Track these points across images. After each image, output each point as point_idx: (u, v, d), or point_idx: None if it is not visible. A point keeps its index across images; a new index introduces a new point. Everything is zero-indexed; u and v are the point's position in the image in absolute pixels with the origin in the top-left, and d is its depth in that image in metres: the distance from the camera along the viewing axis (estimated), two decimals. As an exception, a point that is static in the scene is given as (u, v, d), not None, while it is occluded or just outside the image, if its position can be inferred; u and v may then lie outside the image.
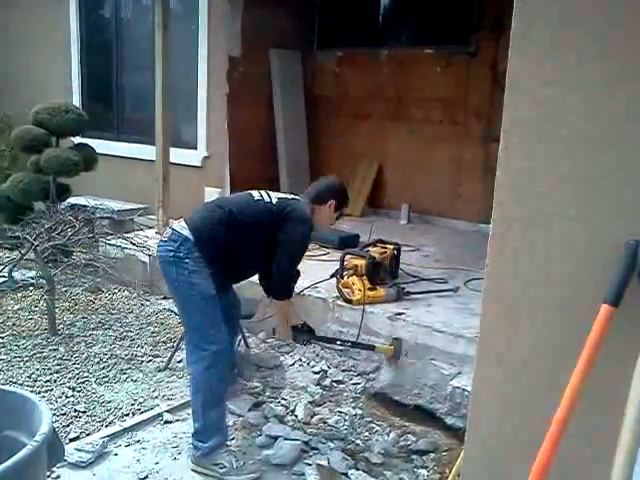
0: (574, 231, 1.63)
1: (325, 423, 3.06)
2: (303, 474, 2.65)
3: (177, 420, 3.07)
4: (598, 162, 1.58)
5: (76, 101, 7.19)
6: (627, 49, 1.52)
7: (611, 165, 1.57)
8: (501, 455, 1.83)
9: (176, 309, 3.10)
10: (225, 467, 2.64)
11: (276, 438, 2.88)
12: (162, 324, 4.25)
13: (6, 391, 2.13)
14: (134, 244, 4.52)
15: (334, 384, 3.43)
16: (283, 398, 3.27)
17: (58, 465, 2.56)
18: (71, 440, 2.83)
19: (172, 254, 2.65)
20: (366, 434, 3.00)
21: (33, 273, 4.52)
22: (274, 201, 2.84)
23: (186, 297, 2.70)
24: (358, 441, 2.93)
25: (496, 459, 1.85)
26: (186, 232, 2.69)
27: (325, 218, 3.04)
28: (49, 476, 2.54)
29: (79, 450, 2.73)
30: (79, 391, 3.29)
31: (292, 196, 2.95)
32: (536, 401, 1.74)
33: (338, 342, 3.36)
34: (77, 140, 6.12)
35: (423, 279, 4.25)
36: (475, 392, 1.93)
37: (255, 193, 2.90)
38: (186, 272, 2.63)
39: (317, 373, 3.50)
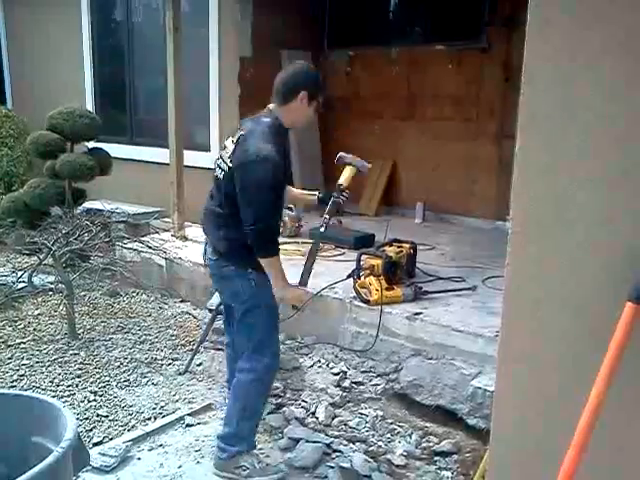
0: (596, 230, 1.62)
1: (346, 425, 3.06)
2: (326, 477, 2.66)
3: (199, 423, 3.09)
4: (617, 162, 1.56)
5: (89, 106, 7.24)
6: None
7: (630, 165, 1.55)
8: (527, 456, 1.82)
9: (224, 315, 3.02)
10: (248, 469, 2.65)
11: (298, 440, 2.88)
12: (181, 327, 4.27)
13: (32, 397, 2.15)
14: (151, 247, 4.54)
15: (354, 385, 3.42)
16: (303, 400, 3.27)
17: (83, 470, 2.58)
18: (94, 444, 2.85)
19: (233, 267, 2.58)
20: (388, 436, 3.00)
21: (52, 278, 4.56)
22: (229, 164, 2.50)
23: (251, 308, 2.61)
24: (380, 443, 2.93)
25: (522, 460, 1.83)
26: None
27: (300, 116, 2.60)
28: (74, 481, 2.57)
29: (103, 454, 2.75)
30: (101, 395, 3.31)
31: (248, 126, 2.52)
32: (561, 401, 1.73)
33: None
34: (91, 144, 6.15)
35: (440, 278, 4.23)
36: (498, 392, 1.92)
37: (217, 170, 2.59)
38: (252, 283, 2.56)
39: (336, 374, 3.49)
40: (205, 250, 2.75)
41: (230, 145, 2.55)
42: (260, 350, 2.64)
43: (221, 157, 2.59)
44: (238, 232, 2.49)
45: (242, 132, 2.52)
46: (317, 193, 3.06)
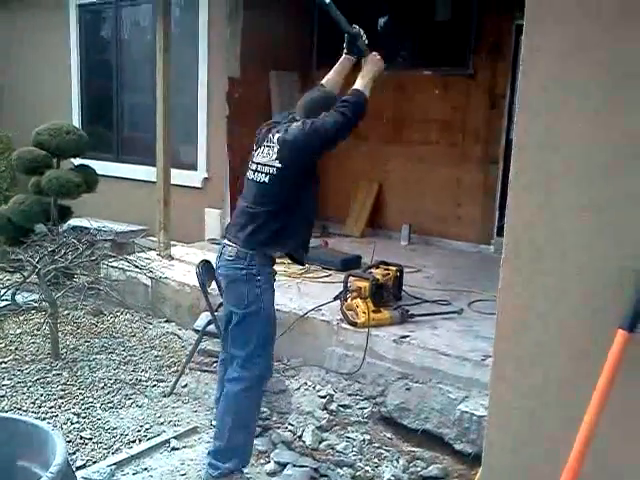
0: (586, 255, 1.66)
1: (333, 449, 3.05)
2: (314, 502, 2.64)
3: (184, 447, 3.05)
4: (604, 190, 1.61)
5: (76, 122, 7.22)
6: (631, 76, 1.55)
7: (618, 192, 1.60)
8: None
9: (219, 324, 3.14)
10: (237, 494, 2.63)
11: (285, 465, 2.86)
12: (165, 348, 4.22)
13: (18, 420, 2.11)
14: (137, 266, 4.51)
15: (341, 409, 3.41)
16: (290, 423, 3.25)
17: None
18: (78, 468, 2.80)
19: (244, 272, 2.62)
20: (375, 460, 2.99)
21: (35, 296, 4.50)
22: (276, 168, 2.66)
23: (250, 315, 2.65)
24: (367, 467, 2.92)
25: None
26: (247, 249, 2.64)
27: None
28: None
29: (86, 479, 2.71)
30: (84, 417, 3.26)
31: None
32: (553, 426, 1.75)
33: None
34: (78, 161, 6.12)
35: (426, 301, 4.25)
36: (490, 415, 1.93)
37: (256, 175, 2.72)
38: (258, 290, 2.62)
39: (323, 397, 3.48)
40: (220, 253, 2.76)
41: (266, 148, 2.71)
42: (252, 359, 2.65)
43: (259, 162, 2.72)
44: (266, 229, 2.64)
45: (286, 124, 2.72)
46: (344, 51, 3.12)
